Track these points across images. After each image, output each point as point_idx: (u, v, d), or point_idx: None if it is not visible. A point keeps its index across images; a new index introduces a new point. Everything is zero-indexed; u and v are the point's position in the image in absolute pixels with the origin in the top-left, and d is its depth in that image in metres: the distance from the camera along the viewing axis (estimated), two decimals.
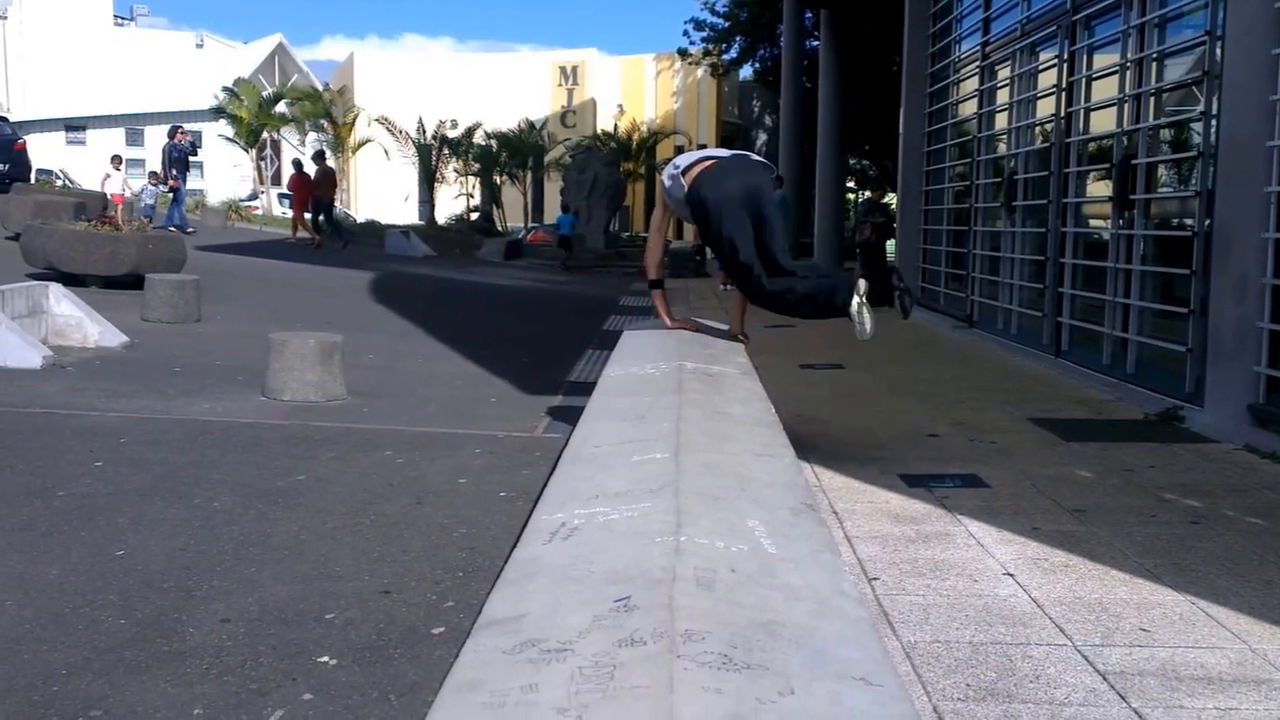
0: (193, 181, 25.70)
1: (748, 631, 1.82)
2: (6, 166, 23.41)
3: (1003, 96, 11.33)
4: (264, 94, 36.07)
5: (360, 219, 32.78)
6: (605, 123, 42.25)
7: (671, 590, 1.95)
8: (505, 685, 1.65)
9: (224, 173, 42.30)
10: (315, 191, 22.07)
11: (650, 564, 2.11)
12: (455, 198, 37.19)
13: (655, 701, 1.53)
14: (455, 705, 1.62)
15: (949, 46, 13.36)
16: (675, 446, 3.10)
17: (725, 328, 5.86)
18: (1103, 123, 8.84)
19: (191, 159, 21.42)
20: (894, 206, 17.05)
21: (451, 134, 35.52)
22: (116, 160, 21.64)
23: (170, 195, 21.01)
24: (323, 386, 7.06)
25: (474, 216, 35.80)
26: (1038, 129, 10.36)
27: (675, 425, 3.40)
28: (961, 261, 12.39)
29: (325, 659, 3.08)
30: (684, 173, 5.49)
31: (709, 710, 1.52)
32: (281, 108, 36.24)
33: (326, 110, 36.24)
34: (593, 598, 1.97)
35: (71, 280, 10.90)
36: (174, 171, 20.66)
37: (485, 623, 1.93)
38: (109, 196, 20.46)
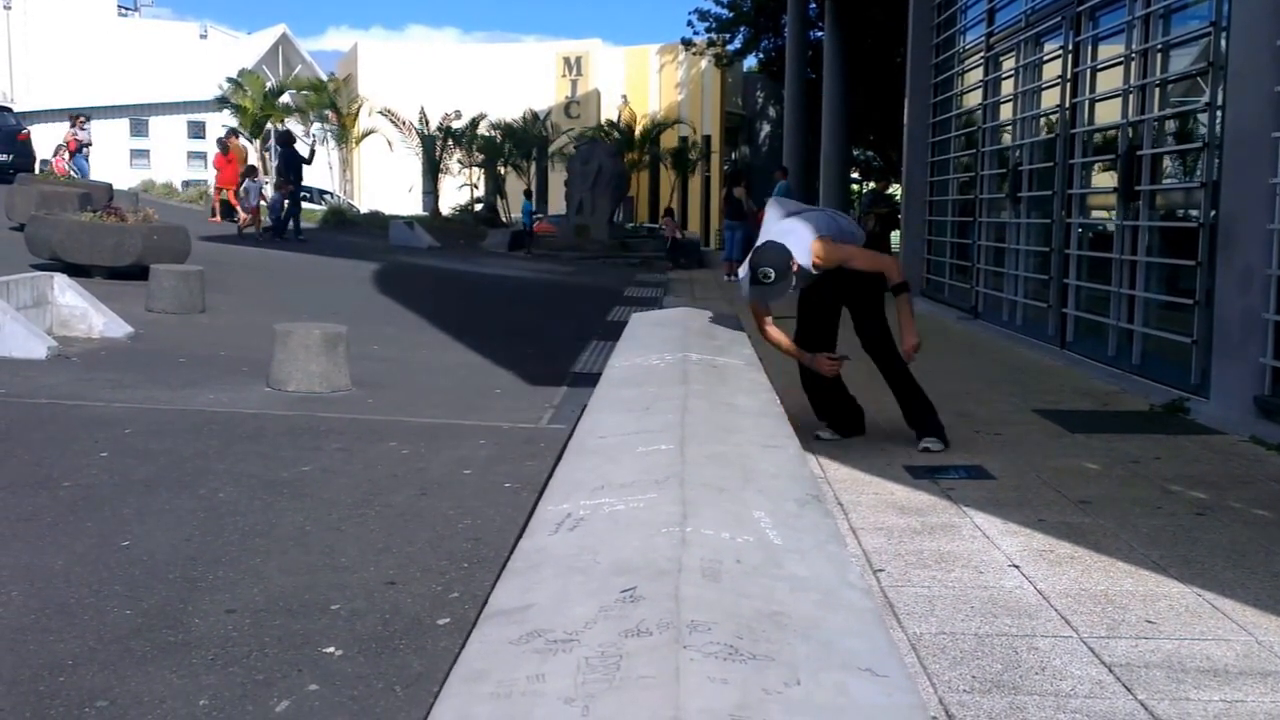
0: (196, 172, 25.60)
1: (754, 622, 1.82)
2: (10, 157, 23.41)
3: (1007, 88, 11.30)
4: (268, 85, 36.00)
5: (364, 210, 32.74)
6: (609, 113, 42.15)
7: (678, 581, 1.95)
8: (512, 675, 1.65)
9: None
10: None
11: (656, 555, 2.11)
12: (459, 188, 37.12)
13: (662, 692, 1.53)
14: (462, 695, 1.62)
15: (953, 37, 13.33)
16: (680, 438, 3.10)
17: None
18: (1108, 114, 8.81)
19: (305, 164, 21.04)
20: (898, 197, 17.03)
21: (455, 125, 35.47)
22: (253, 172, 21.30)
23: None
24: (327, 377, 7.06)
25: (478, 207, 35.75)
26: (1042, 120, 10.33)
27: (680, 416, 3.40)
28: (966, 253, 12.38)
29: (331, 650, 3.08)
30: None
31: (715, 701, 1.52)
32: (286, 98, 36.17)
33: (331, 101, 36.17)
34: (599, 588, 1.97)
35: (76, 271, 10.90)
36: (289, 176, 20.48)
37: (492, 613, 1.93)
38: (244, 208, 20.38)
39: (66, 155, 22.71)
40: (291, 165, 20.43)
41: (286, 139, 21.35)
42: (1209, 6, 7.16)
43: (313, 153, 21.28)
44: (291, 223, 20.48)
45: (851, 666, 1.70)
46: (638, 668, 1.61)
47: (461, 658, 1.76)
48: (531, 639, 1.77)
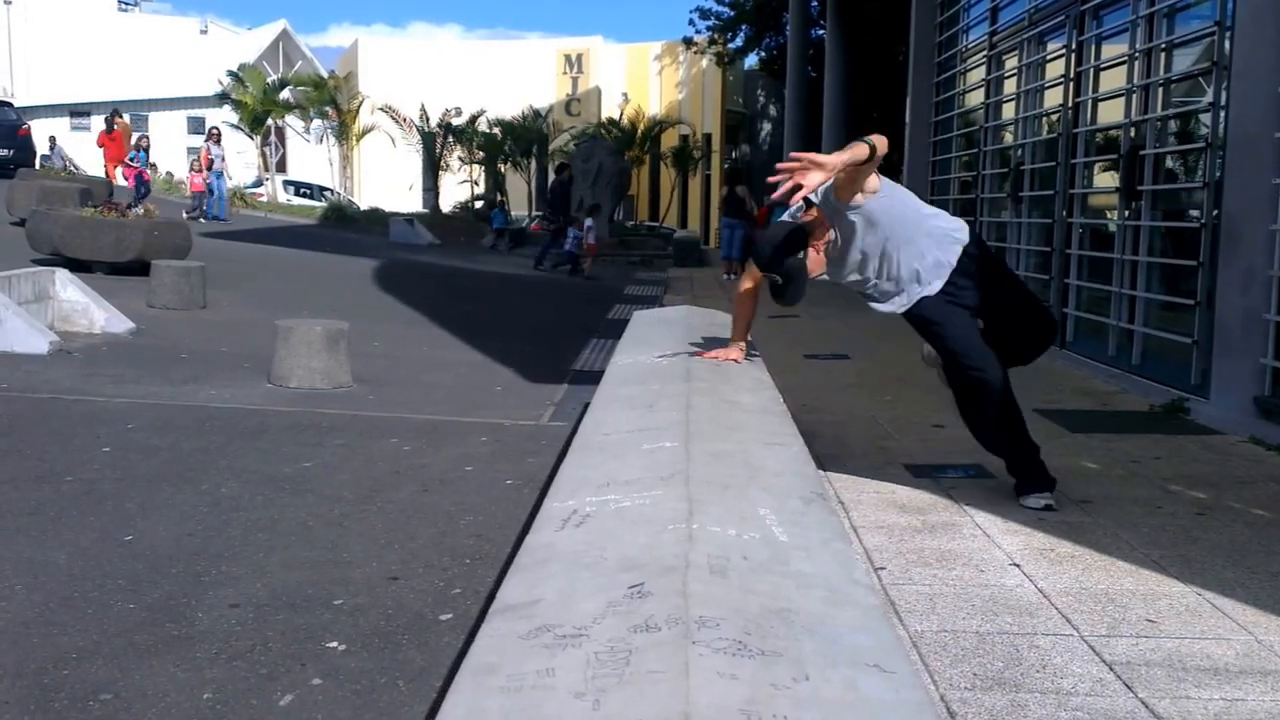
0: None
1: (761, 618, 1.83)
2: (11, 152, 23.43)
3: (1010, 86, 11.30)
4: (269, 80, 35.96)
5: (364, 206, 32.73)
6: (610, 111, 42.11)
7: (685, 577, 1.96)
8: (521, 669, 1.66)
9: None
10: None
11: (663, 551, 2.12)
12: (459, 185, 37.11)
13: (671, 686, 1.54)
14: (472, 689, 1.63)
15: (956, 36, 13.32)
16: (685, 435, 3.11)
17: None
18: (1110, 113, 8.82)
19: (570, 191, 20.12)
20: None
21: (456, 122, 35.43)
22: (594, 210, 20.71)
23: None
24: (329, 374, 7.07)
25: (478, 204, 35.72)
26: (1045, 119, 10.33)
27: (684, 414, 3.41)
28: None
29: (334, 644, 3.09)
30: None
31: (725, 696, 1.53)
32: (286, 94, 36.14)
33: (331, 97, 36.13)
34: (607, 584, 1.98)
35: (78, 266, 10.89)
36: (560, 207, 19.84)
37: (500, 608, 1.94)
38: (584, 248, 19.58)
39: (204, 171, 22.74)
40: (561, 196, 19.96)
41: (563, 168, 21.03)
42: (1212, 6, 7.16)
43: (572, 181, 20.84)
44: (547, 258, 19.73)
45: (859, 663, 1.71)
46: (647, 663, 1.62)
47: (471, 652, 1.77)
48: (540, 634, 1.78)
